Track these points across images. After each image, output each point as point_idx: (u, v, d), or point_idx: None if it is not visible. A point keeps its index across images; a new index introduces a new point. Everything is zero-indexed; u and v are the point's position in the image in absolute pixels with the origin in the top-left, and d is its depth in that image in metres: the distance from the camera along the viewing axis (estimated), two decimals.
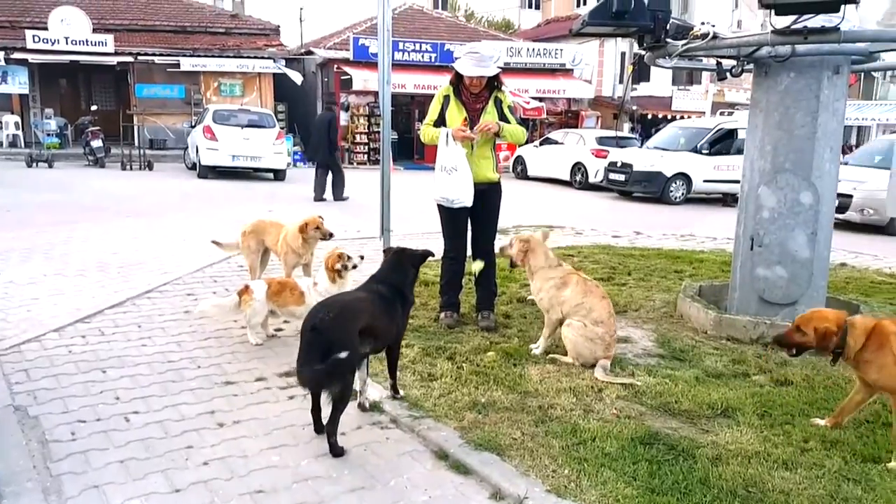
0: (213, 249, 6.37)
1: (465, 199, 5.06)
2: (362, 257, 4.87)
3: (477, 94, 5.13)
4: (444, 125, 5.13)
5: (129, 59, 22.75)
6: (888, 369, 3.30)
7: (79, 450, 3.27)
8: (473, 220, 5.33)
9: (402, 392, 3.93)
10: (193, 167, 18.46)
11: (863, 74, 25.98)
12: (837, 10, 4.24)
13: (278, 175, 17.78)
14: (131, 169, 18.34)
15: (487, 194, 5.20)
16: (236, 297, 4.81)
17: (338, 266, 4.72)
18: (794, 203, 5.13)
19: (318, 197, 13.57)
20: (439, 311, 5.45)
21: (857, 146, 28.83)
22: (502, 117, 5.12)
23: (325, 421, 3.38)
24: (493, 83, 5.15)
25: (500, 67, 5.33)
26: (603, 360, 4.42)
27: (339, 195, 13.77)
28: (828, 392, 4.18)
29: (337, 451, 3.28)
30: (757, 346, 5.01)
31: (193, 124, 19.78)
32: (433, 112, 5.23)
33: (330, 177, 13.74)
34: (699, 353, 4.86)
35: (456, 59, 5.36)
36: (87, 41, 22.10)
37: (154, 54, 23.06)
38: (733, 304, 5.57)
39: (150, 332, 5.06)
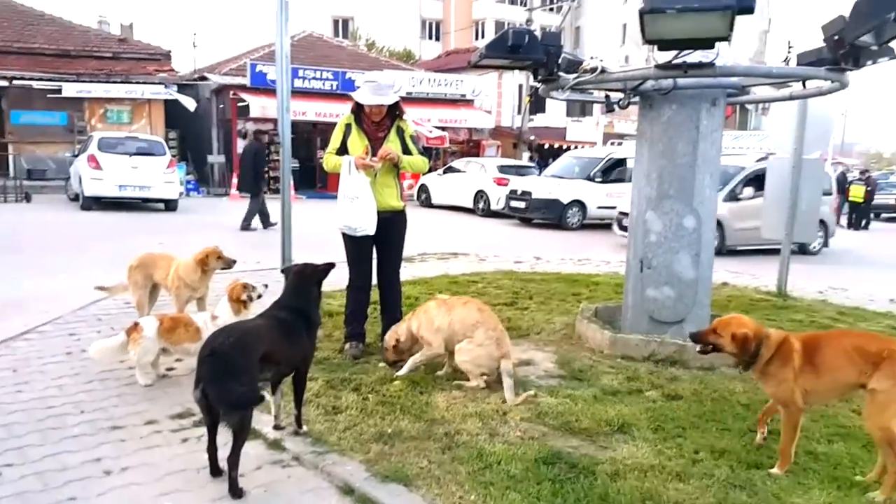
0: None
1: (368, 227, 5.04)
2: (266, 286, 4.77)
3: (378, 123, 5.16)
4: (347, 154, 5.12)
5: (3, 83, 21.32)
6: (787, 384, 3.47)
7: None
8: (378, 249, 5.32)
9: (305, 427, 3.85)
10: (76, 198, 17.25)
11: (738, 107, 27.91)
12: (712, 47, 4.59)
13: (170, 205, 17.02)
14: (6, 201, 17.17)
15: (391, 222, 5.21)
16: (124, 335, 4.54)
17: (243, 297, 4.60)
18: (678, 227, 5.44)
19: (265, 225, 13.61)
20: (344, 342, 5.38)
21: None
22: (404, 146, 5.16)
23: (221, 462, 3.27)
24: (394, 112, 5.19)
25: (402, 97, 5.38)
26: (503, 362, 4.52)
27: (246, 225, 13.63)
28: (715, 404, 4.42)
29: (236, 492, 3.16)
30: (649, 363, 5.23)
31: (77, 153, 18.68)
32: (335, 140, 5.22)
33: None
34: (597, 372, 5.04)
35: (357, 87, 5.39)
36: None
37: (32, 79, 21.72)
38: (626, 324, 5.82)
39: (27, 376, 4.70)
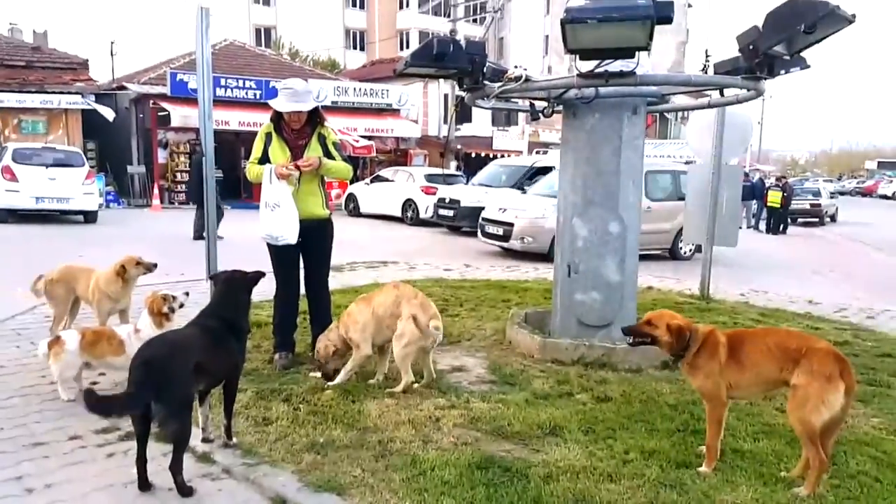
0: (16, 301, 5.77)
1: (289, 236, 4.98)
2: (187, 294, 4.66)
3: (299, 131, 5.11)
4: (269, 163, 5.05)
5: None
6: (712, 378, 3.57)
7: None
8: (305, 257, 5.27)
9: (235, 439, 3.77)
10: None
11: (658, 116, 28.91)
12: (633, 57, 4.73)
13: (89, 217, 16.51)
14: None
15: (316, 231, 5.17)
16: (45, 348, 4.40)
17: (164, 309, 4.48)
18: (604, 233, 5.58)
19: (197, 236, 13.40)
20: (273, 353, 5.30)
21: None
22: (327, 153, 5.11)
23: (150, 476, 3.21)
24: (314, 119, 5.14)
25: (327, 106, 5.35)
26: (433, 321, 4.63)
27: (198, 235, 13.48)
28: (644, 405, 4.53)
29: (186, 491, 3.16)
30: (578, 366, 5.33)
31: None
32: (257, 150, 5.16)
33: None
34: (528, 376, 5.10)
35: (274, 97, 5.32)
36: None
37: None
38: (555, 329, 5.92)
39: None
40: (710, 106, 6.86)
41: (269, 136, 5.12)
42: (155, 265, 5.45)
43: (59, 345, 4.38)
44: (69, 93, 22.57)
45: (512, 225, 12.80)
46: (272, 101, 5.09)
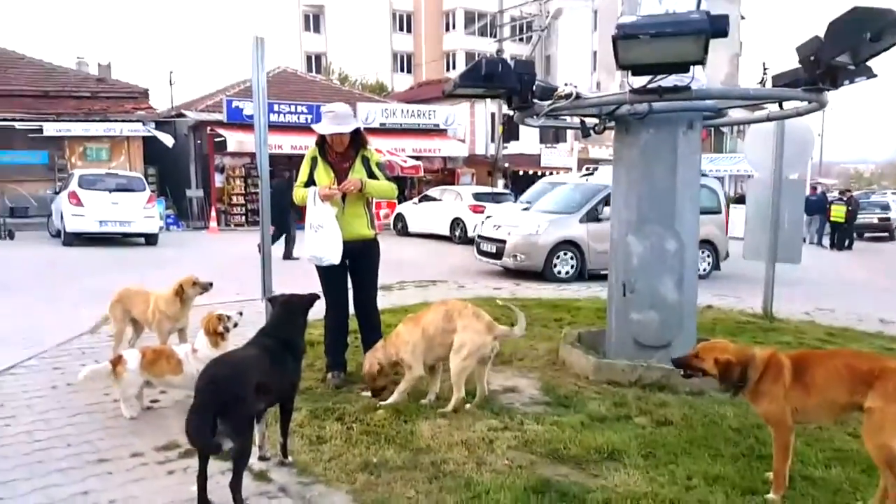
0: (81, 321, 5.97)
1: (332, 256, 5.06)
2: (241, 313, 4.74)
3: (343, 154, 5.22)
4: (314, 185, 5.16)
5: None
6: (778, 402, 3.43)
7: None
8: (353, 277, 5.34)
9: (290, 458, 3.80)
10: (58, 234, 17.38)
11: (713, 130, 28.39)
12: (687, 71, 4.64)
13: (150, 240, 17.05)
14: None
15: (362, 251, 5.25)
16: (109, 364, 4.53)
17: (220, 329, 4.56)
18: (660, 250, 5.46)
19: (286, 256, 13.85)
20: (326, 372, 5.33)
21: None
22: (371, 174, 5.19)
23: (210, 494, 3.24)
24: (357, 142, 5.23)
25: (375, 128, 5.42)
26: (491, 329, 4.65)
27: (287, 255, 13.92)
28: (706, 430, 4.37)
29: None
30: (636, 388, 5.20)
31: (57, 190, 18.66)
32: (303, 173, 5.29)
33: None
34: (583, 398, 4.99)
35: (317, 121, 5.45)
36: None
37: (14, 119, 21.72)
38: (611, 349, 5.79)
39: (13, 410, 4.65)
40: (768, 119, 6.68)
41: (314, 159, 5.25)
42: (210, 284, 5.57)
43: (121, 364, 4.48)
44: (131, 121, 23.48)
45: (504, 242, 12.36)
46: (315, 125, 5.20)
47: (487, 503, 3.32)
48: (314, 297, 4.10)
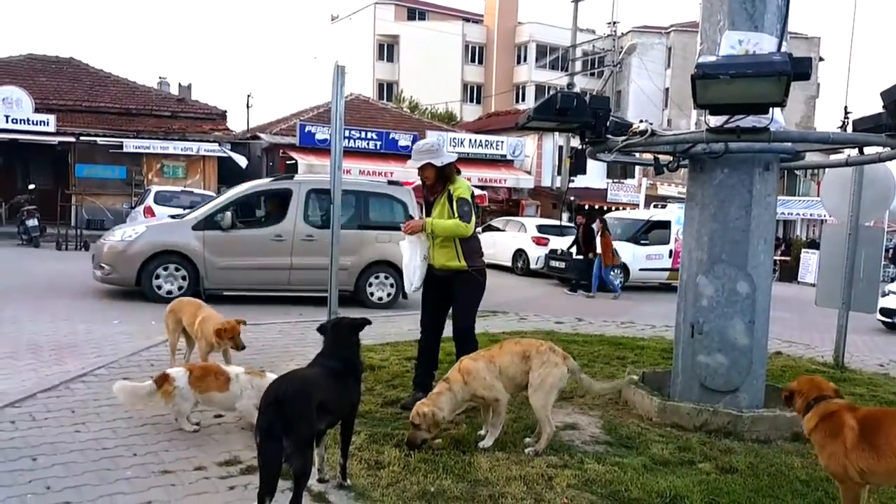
0: (150, 333, 6.18)
1: (413, 282, 5.45)
2: None
3: (431, 188, 5.42)
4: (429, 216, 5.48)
5: (71, 139, 22.48)
6: (837, 458, 3.31)
7: None
8: (452, 306, 5.55)
9: (349, 481, 3.81)
10: None
11: (786, 172, 27.63)
12: (766, 112, 4.56)
13: None
14: (67, 249, 17.78)
15: (453, 281, 5.42)
16: (152, 383, 4.58)
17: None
18: (731, 292, 5.32)
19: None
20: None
21: (784, 239, 30.38)
22: (451, 209, 5.31)
23: None
24: (443, 176, 5.36)
25: (451, 160, 5.48)
26: (570, 364, 4.68)
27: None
28: (772, 479, 4.22)
29: None
30: (701, 433, 5.05)
31: (133, 205, 19.46)
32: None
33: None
34: (645, 440, 4.88)
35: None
36: (28, 120, 21.81)
37: (97, 135, 22.86)
38: (676, 391, 5.65)
39: (84, 417, 4.81)
40: (847, 164, 6.48)
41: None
42: (244, 347, 5.67)
43: (168, 382, 4.54)
44: (208, 141, 24.44)
45: None
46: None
47: None
48: (365, 322, 4.09)
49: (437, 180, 5.36)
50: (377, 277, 11.09)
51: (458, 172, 5.52)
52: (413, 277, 5.45)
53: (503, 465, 4.19)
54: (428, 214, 5.43)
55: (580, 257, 16.25)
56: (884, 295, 12.23)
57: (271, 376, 4.43)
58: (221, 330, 5.54)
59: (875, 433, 3.25)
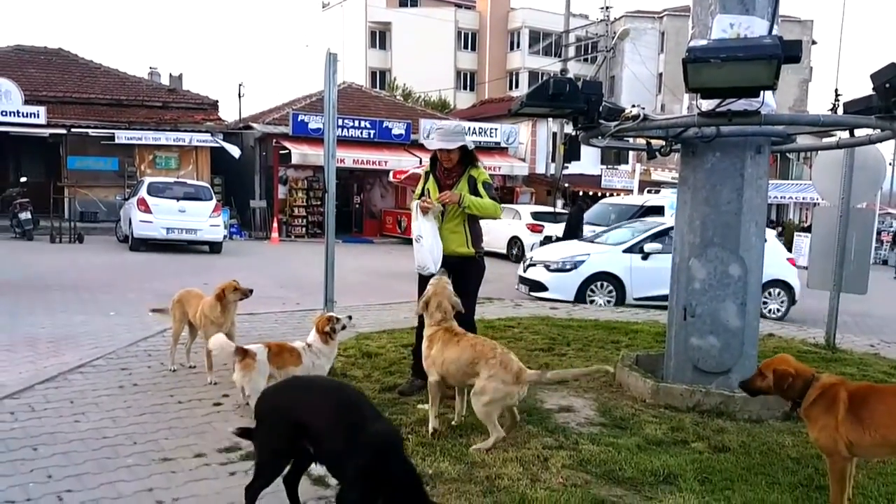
0: (147, 323, 6.21)
1: (430, 266, 5.17)
2: (350, 317, 5.11)
3: (450, 171, 5.35)
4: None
5: (62, 131, 22.38)
6: (828, 431, 3.36)
7: None
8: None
9: None
10: (125, 240, 18.07)
11: (779, 155, 27.71)
12: (757, 96, 4.60)
13: (214, 248, 17.55)
14: (60, 241, 17.78)
15: (459, 267, 5.29)
16: (238, 349, 4.72)
17: (327, 328, 4.85)
18: (723, 275, 5.38)
19: None
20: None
21: (777, 222, 30.51)
22: (475, 192, 5.27)
23: (270, 495, 3.30)
24: (466, 160, 5.34)
25: (472, 145, 5.46)
26: (518, 384, 4.27)
27: None
28: (764, 457, 4.30)
29: None
30: (694, 413, 5.12)
31: (127, 196, 19.42)
32: (418, 188, 5.52)
33: None
34: (639, 421, 4.95)
35: (426, 137, 5.63)
36: (18, 112, 21.67)
37: (88, 127, 22.74)
38: (669, 373, 5.72)
39: (83, 407, 4.85)
40: (838, 146, 6.52)
41: (427, 174, 5.48)
42: (251, 291, 5.77)
43: (249, 356, 4.65)
44: (200, 131, 24.30)
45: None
46: (426, 140, 5.37)
47: None
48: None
49: (459, 163, 5.32)
50: None
51: None
52: (437, 259, 5.18)
53: (499, 448, 4.24)
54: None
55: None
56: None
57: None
58: (221, 292, 5.59)
59: (861, 407, 3.33)
